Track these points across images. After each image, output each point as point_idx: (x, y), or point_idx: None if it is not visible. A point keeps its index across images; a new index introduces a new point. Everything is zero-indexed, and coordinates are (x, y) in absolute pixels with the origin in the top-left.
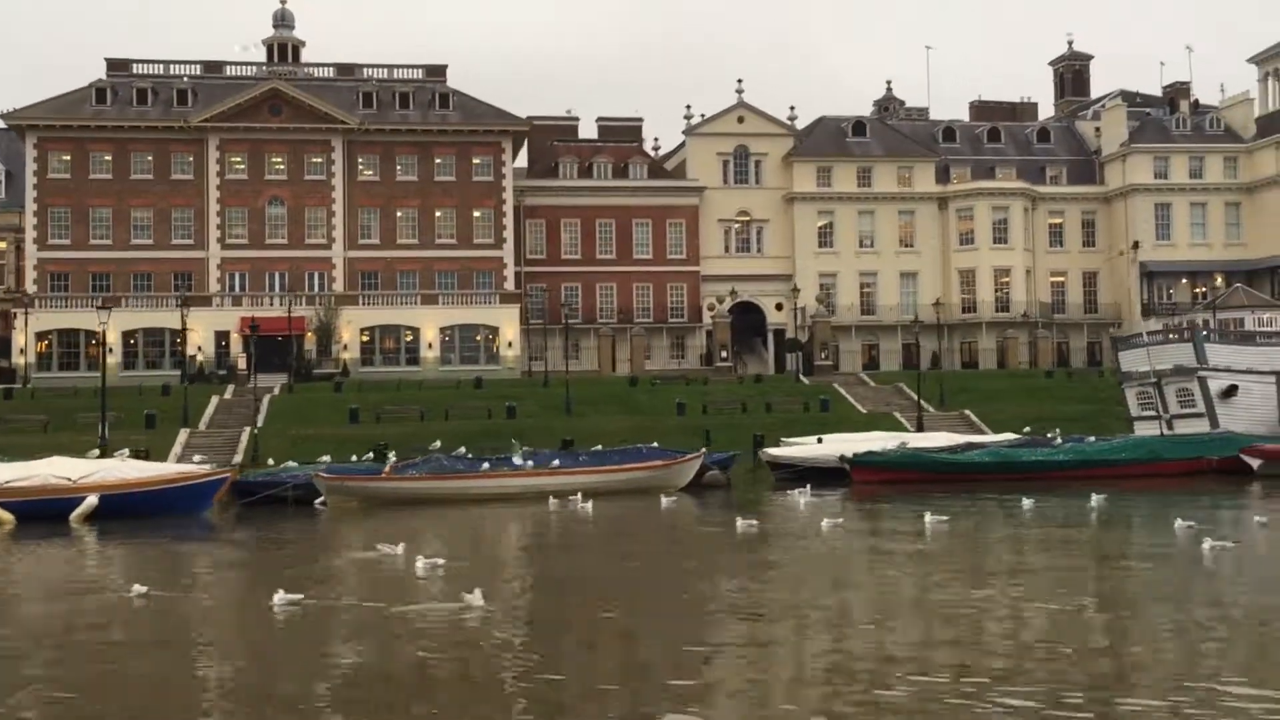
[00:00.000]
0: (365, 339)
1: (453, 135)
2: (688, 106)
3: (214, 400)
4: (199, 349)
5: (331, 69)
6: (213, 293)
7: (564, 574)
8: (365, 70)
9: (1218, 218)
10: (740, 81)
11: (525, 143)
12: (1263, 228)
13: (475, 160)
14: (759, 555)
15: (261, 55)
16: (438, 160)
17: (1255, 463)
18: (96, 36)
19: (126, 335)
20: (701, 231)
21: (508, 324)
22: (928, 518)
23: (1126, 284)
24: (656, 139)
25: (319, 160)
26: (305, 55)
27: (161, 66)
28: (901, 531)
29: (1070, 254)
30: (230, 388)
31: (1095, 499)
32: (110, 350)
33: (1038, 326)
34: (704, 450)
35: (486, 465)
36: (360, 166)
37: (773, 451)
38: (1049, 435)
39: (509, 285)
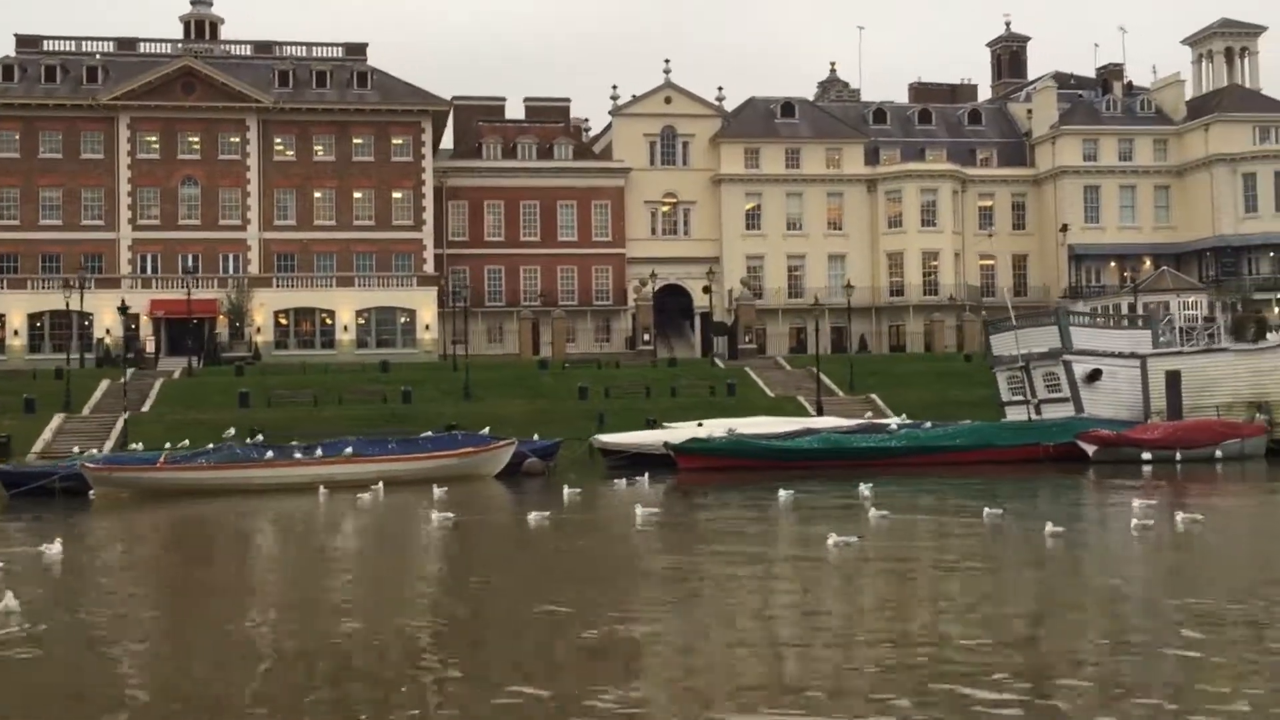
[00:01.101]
0: (282, 321)
1: (371, 115)
2: (614, 87)
3: (103, 384)
4: (108, 331)
5: (249, 46)
6: (123, 274)
7: (181, 580)
8: (283, 48)
9: (1147, 200)
10: (668, 62)
11: (450, 124)
12: (1192, 211)
13: (396, 140)
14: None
15: (180, 32)
16: (356, 140)
17: (1089, 449)
18: (6, 13)
19: (33, 318)
20: (628, 213)
21: (425, 307)
22: (638, 510)
23: (1056, 267)
24: (587, 120)
25: (234, 140)
26: (224, 32)
27: (73, 44)
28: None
29: (1000, 236)
30: (131, 371)
31: (864, 488)
32: (15, 333)
33: (964, 310)
34: (516, 439)
35: (271, 454)
36: (277, 146)
37: (603, 439)
38: (892, 421)
39: (428, 268)
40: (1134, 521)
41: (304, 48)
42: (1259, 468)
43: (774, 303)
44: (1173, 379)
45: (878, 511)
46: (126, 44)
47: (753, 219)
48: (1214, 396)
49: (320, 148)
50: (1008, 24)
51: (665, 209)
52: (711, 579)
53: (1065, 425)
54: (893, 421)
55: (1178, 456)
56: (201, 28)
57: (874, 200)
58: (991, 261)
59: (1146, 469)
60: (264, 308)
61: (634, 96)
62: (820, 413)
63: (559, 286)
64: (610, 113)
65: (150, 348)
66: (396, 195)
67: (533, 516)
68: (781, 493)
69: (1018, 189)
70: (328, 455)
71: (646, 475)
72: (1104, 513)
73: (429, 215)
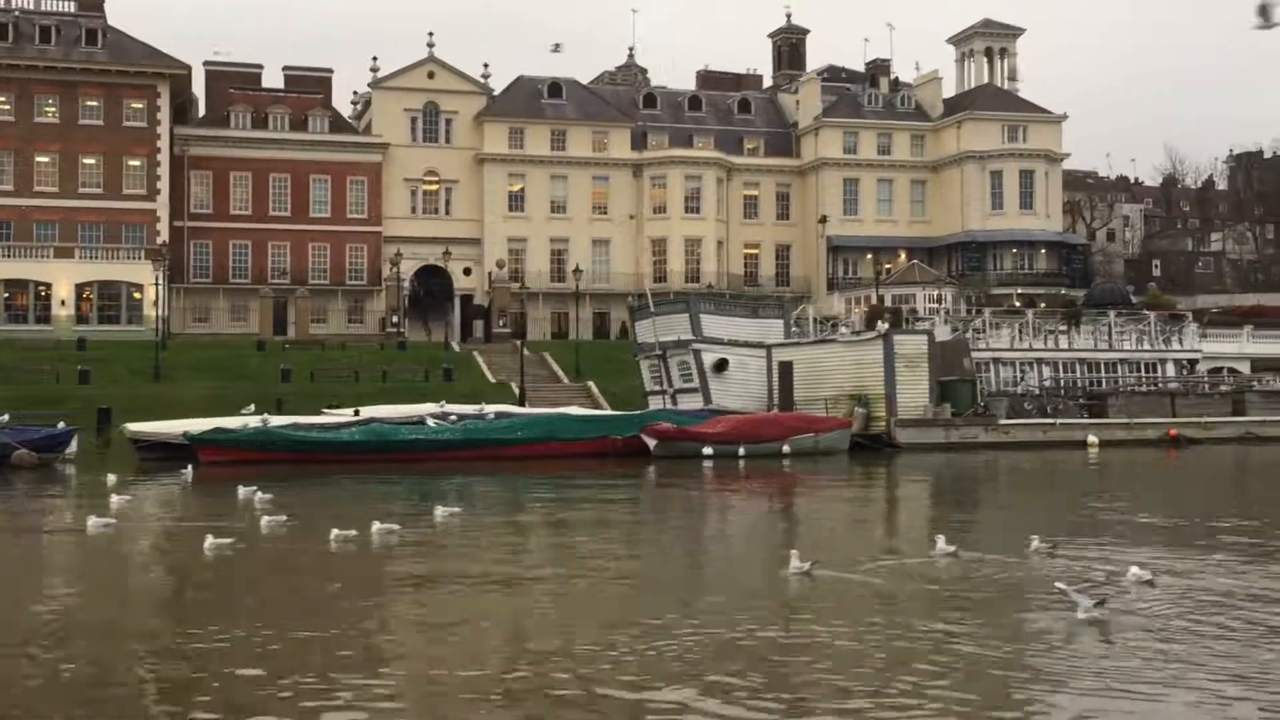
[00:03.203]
0: None
1: (100, 75)
2: (374, 58)
3: None
4: None
5: None
6: None
7: None
8: None
9: (904, 195)
10: (431, 35)
11: (203, 91)
12: (945, 206)
13: (134, 104)
14: None
15: None
16: (88, 102)
17: (651, 443)
18: None
19: None
20: (386, 191)
21: (153, 282)
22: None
23: (817, 258)
24: (356, 93)
25: None
26: None
27: None
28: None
29: (765, 226)
30: None
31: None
32: None
33: (725, 297)
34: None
35: None
36: None
37: (133, 427)
38: (490, 410)
39: (163, 240)
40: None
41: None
42: (835, 463)
43: (536, 286)
44: (785, 370)
45: (273, 518)
46: None
47: (516, 200)
48: (824, 389)
49: (43, 108)
50: (788, 16)
51: (426, 187)
52: None
53: (636, 418)
54: (491, 411)
55: (741, 452)
56: None
57: (640, 185)
58: (756, 251)
59: (708, 464)
60: None
61: (396, 71)
62: (523, 401)
63: (310, 264)
64: (370, 85)
65: None
66: (134, 163)
67: None
68: (241, 489)
69: (783, 179)
70: None
71: (190, 469)
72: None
73: (164, 185)
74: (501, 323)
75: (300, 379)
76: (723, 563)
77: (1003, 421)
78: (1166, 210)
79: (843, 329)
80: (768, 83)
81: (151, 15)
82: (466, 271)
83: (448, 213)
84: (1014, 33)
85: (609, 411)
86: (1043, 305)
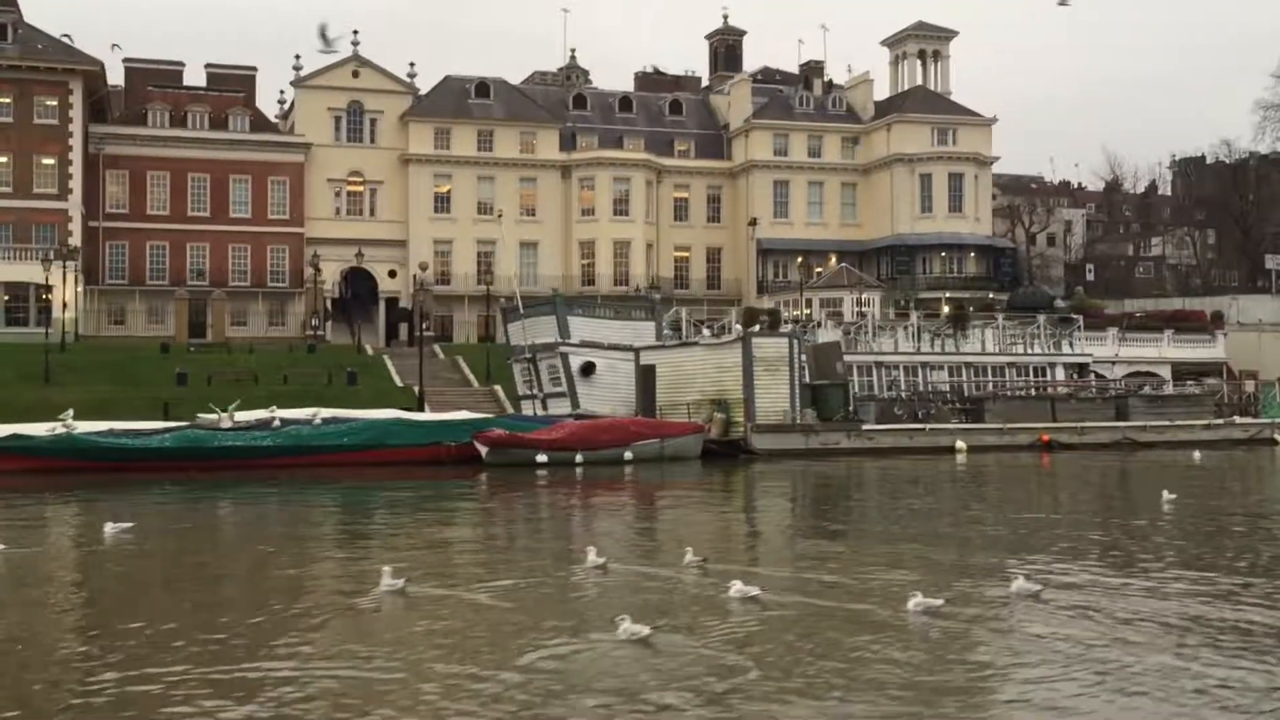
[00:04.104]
0: None
1: (10, 71)
2: (297, 56)
3: None
4: None
5: None
6: None
7: None
8: None
9: (834, 197)
10: (356, 33)
11: (122, 89)
12: (876, 209)
13: (48, 102)
14: None
15: None
16: None
17: (483, 450)
18: None
19: None
20: (309, 191)
21: (64, 284)
22: None
23: (747, 261)
24: (283, 92)
25: None
26: None
27: None
28: None
29: (695, 228)
30: None
31: None
32: None
33: (658, 301)
34: None
35: None
36: None
37: None
38: (317, 415)
39: (75, 241)
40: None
41: None
42: (682, 470)
43: (462, 289)
44: (647, 374)
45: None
46: None
47: (442, 202)
48: (689, 393)
49: None
50: (725, 18)
51: (351, 189)
52: None
53: (470, 424)
54: (322, 416)
55: (578, 459)
56: None
57: (568, 187)
58: (687, 254)
59: (542, 472)
60: None
61: (319, 69)
62: (421, 406)
63: (230, 266)
64: (293, 83)
65: None
66: (46, 161)
67: None
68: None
69: (714, 181)
70: None
71: None
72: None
73: (77, 184)
74: (426, 326)
75: (197, 383)
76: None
77: (867, 427)
78: (1109, 215)
79: (705, 331)
80: (706, 84)
81: (90, 15)
82: (391, 274)
83: (372, 214)
84: (947, 35)
85: (448, 416)
86: (972, 309)
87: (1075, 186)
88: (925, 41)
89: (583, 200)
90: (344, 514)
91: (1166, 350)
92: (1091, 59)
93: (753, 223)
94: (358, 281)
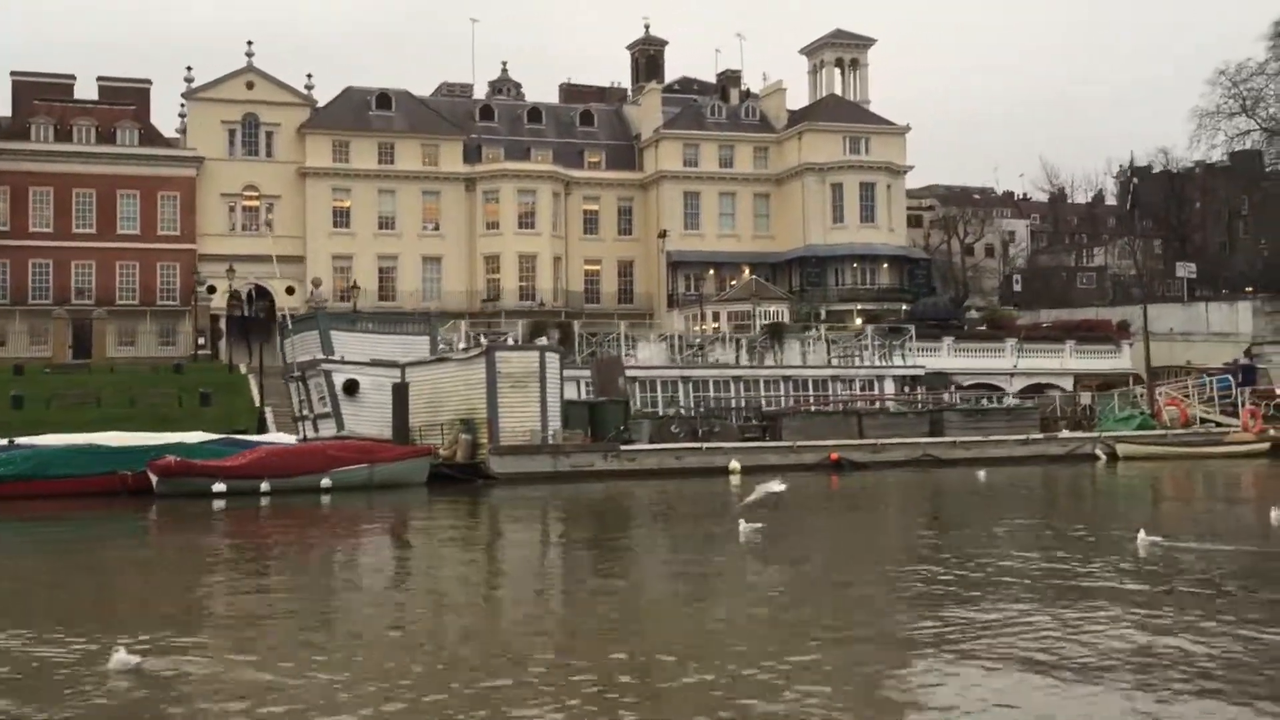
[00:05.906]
0: None
1: None
2: (188, 68)
3: None
4: None
5: None
6: None
7: None
8: None
9: (746, 208)
10: (250, 44)
11: (10, 102)
12: (788, 220)
13: None
14: None
15: None
16: None
17: (154, 479)
18: None
19: None
20: (201, 207)
21: None
22: None
23: (658, 274)
24: (183, 106)
25: None
26: None
27: None
28: None
29: (606, 242)
30: None
31: None
32: None
33: (561, 315)
34: None
35: None
36: None
37: None
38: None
39: None
40: None
41: None
42: (393, 498)
43: (362, 305)
44: (400, 392)
45: None
46: None
47: (341, 216)
48: (445, 412)
49: None
50: (646, 28)
51: (246, 203)
52: None
53: (151, 450)
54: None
55: (264, 488)
56: None
57: (473, 200)
58: (597, 267)
59: (220, 504)
60: None
61: (212, 81)
62: (261, 429)
63: (118, 284)
64: (184, 95)
65: None
66: None
67: None
68: None
69: (625, 193)
70: None
71: None
72: None
73: None
74: None
75: (34, 405)
76: None
77: (629, 448)
78: (1055, 225)
79: (460, 345)
80: (630, 96)
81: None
82: (290, 291)
83: (269, 229)
84: (865, 43)
85: (135, 442)
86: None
87: (1021, 197)
88: (843, 50)
89: (487, 213)
90: None
91: (1069, 361)
92: (1048, 68)
93: (662, 235)
94: (260, 299)
